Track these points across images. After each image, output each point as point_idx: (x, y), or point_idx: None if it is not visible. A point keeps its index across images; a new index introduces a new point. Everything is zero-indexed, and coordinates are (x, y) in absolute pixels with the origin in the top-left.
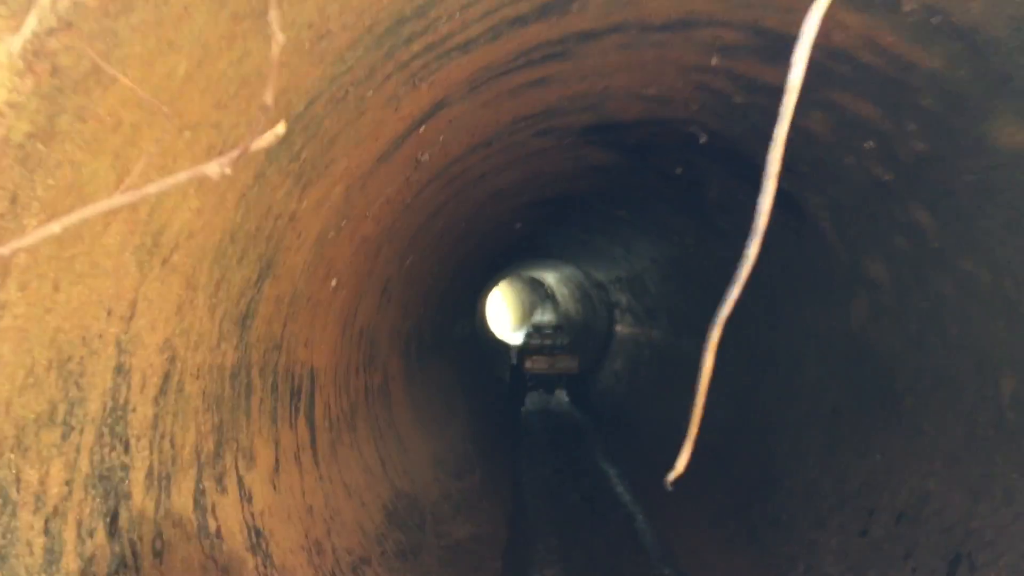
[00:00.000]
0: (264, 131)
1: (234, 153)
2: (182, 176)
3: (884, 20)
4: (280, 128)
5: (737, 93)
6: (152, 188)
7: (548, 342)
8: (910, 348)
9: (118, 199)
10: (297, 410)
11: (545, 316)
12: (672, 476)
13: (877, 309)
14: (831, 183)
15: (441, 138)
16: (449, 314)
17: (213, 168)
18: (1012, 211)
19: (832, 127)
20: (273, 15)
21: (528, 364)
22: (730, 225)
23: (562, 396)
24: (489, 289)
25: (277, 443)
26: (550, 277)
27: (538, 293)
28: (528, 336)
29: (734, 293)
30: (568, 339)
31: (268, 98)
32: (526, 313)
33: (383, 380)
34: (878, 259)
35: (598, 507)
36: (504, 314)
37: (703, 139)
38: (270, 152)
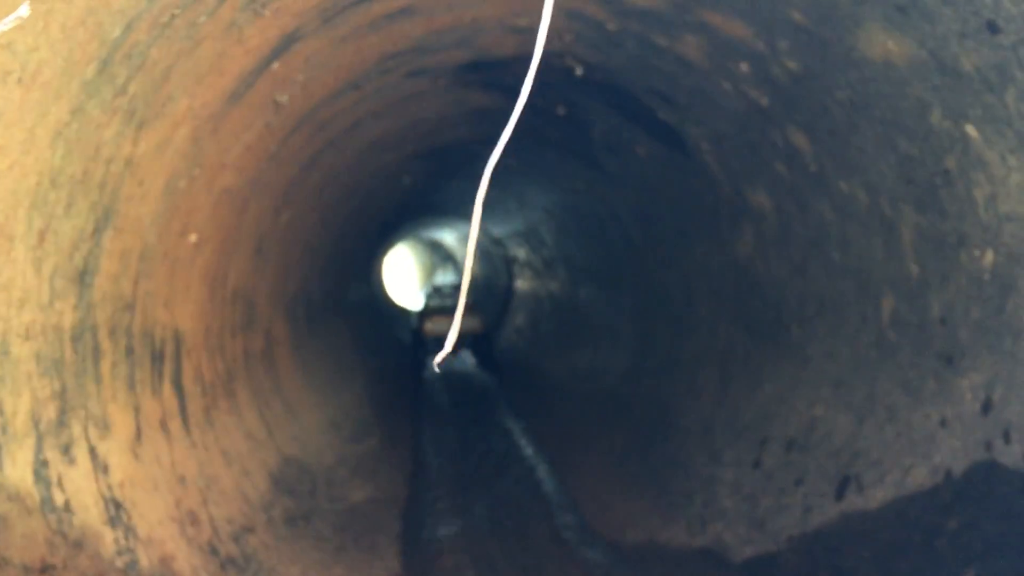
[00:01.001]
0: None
1: None
2: None
3: None
4: (24, 9)
5: (609, 19)
6: None
7: (449, 302)
8: (795, 277)
9: None
10: (161, 375)
11: (446, 278)
12: (439, 358)
13: (762, 240)
14: (710, 113)
15: (300, 78)
16: (341, 277)
17: None
18: (882, 126)
19: (706, 52)
20: None
21: (428, 326)
22: (617, 166)
23: (467, 357)
24: (384, 252)
25: (137, 410)
26: (448, 237)
27: (438, 255)
28: (428, 298)
29: (506, 134)
30: (471, 297)
31: None
32: (427, 277)
33: (265, 344)
34: (760, 188)
35: (500, 462)
36: (405, 279)
37: (579, 71)
38: (87, 84)
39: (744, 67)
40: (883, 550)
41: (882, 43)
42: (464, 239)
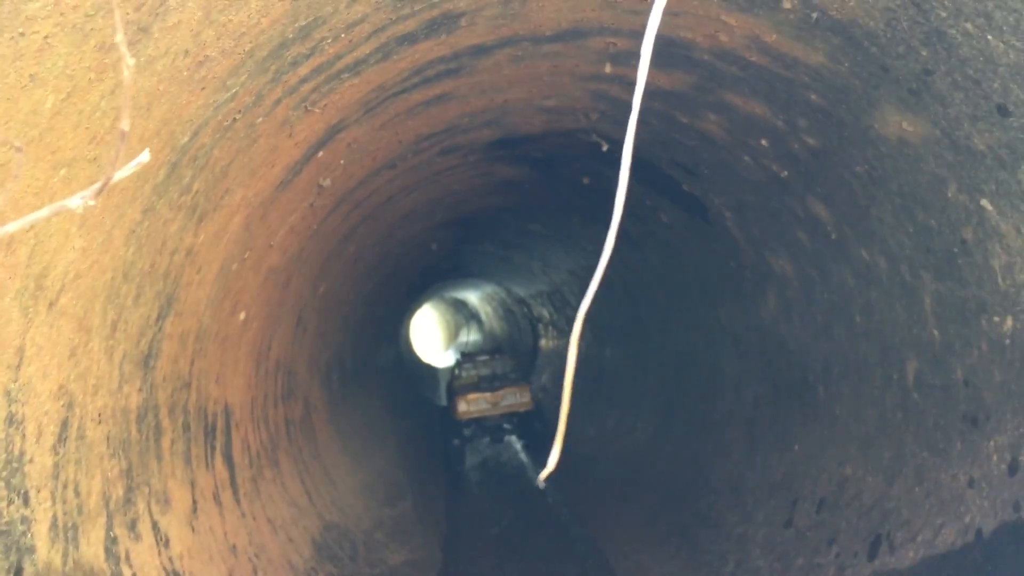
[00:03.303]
0: (127, 159)
1: (97, 185)
2: (44, 212)
3: (766, 19)
4: (145, 156)
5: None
6: (12, 226)
7: (486, 371)
8: (819, 339)
9: None
10: (213, 448)
11: (471, 336)
12: (543, 474)
13: (785, 303)
14: (732, 183)
15: (342, 162)
16: (371, 340)
17: (75, 201)
18: (900, 199)
19: (727, 128)
20: (120, 37)
21: (463, 407)
22: (642, 233)
23: (514, 443)
24: (412, 313)
25: (193, 483)
26: (472, 297)
27: (462, 314)
28: (457, 366)
29: (595, 283)
30: (512, 363)
31: (125, 124)
32: (452, 334)
33: (304, 412)
34: (782, 254)
35: (531, 523)
36: (430, 337)
37: (605, 147)
38: (158, 186)
39: (764, 142)
40: None
41: (897, 123)
42: (487, 298)
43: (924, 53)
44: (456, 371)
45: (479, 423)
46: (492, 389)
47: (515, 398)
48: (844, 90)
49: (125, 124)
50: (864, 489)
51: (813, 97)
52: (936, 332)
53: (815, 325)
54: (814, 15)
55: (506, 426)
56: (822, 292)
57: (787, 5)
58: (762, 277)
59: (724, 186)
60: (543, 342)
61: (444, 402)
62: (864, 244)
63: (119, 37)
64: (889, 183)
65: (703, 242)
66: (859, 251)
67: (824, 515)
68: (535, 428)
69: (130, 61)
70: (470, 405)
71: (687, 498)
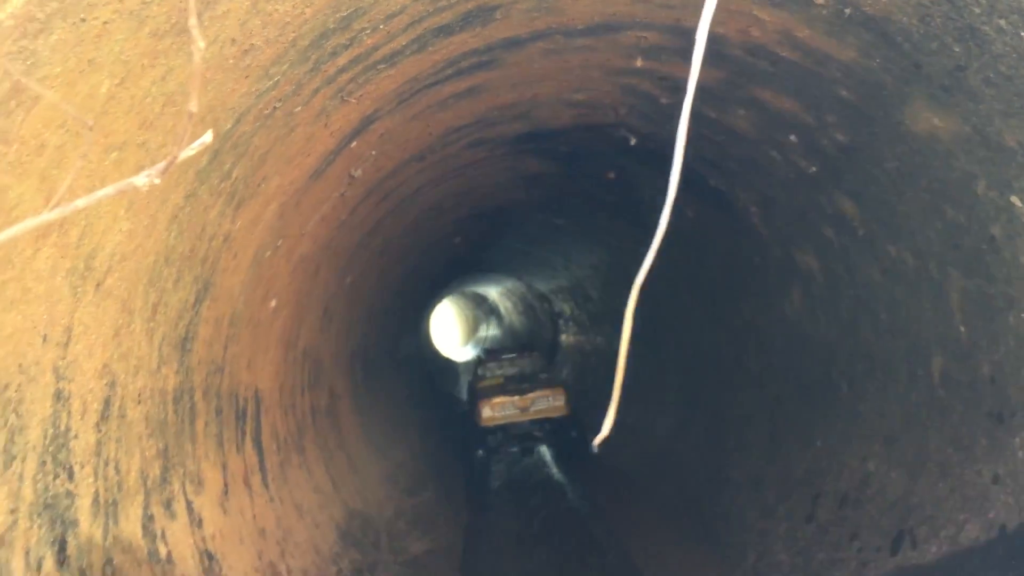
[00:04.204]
0: (191, 140)
1: (162, 164)
2: (110, 189)
3: (799, 14)
4: (208, 136)
5: (663, 94)
6: (81, 202)
7: (512, 371)
8: (844, 335)
9: (47, 216)
10: (244, 433)
11: (491, 331)
12: (598, 440)
13: (811, 299)
14: (759, 179)
15: (373, 153)
16: (394, 332)
17: (141, 179)
18: (929, 195)
19: (756, 124)
20: (193, 21)
21: (487, 413)
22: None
23: (544, 455)
24: (433, 306)
25: (225, 466)
26: (493, 291)
27: (482, 308)
28: (479, 365)
29: (650, 257)
30: (543, 362)
31: (193, 105)
32: (471, 329)
33: (330, 400)
34: (808, 250)
35: (552, 515)
36: (449, 331)
37: (632, 142)
38: (200, 171)
39: (793, 138)
40: None
41: (928, 119)
42: (508, 293)
43: (957, 49)
44: (479, 371)
45: (505, 430)
46: (521, 392)
47: (547, 402)
48: (875, 86)
49: (193, 105)
50: (887, 485)
51: (844, 93)
52: (963, 328)
53: (840, 321)
54: (847, 10)
55: (537, 434)
56: (848, 288)
57: (820, 0)
58: (787, 273)
59: (751, 181)
60: (564, 337)
61: (464, 396)
62: (892, 240)
63: (192, 20)
64: (918, 179)
65: (728, 237)
66: (886, 247)
67: (847, 511)
68: (570, 436)
69: (200, 44)
70: (495, 411)
71: (708, 493)
